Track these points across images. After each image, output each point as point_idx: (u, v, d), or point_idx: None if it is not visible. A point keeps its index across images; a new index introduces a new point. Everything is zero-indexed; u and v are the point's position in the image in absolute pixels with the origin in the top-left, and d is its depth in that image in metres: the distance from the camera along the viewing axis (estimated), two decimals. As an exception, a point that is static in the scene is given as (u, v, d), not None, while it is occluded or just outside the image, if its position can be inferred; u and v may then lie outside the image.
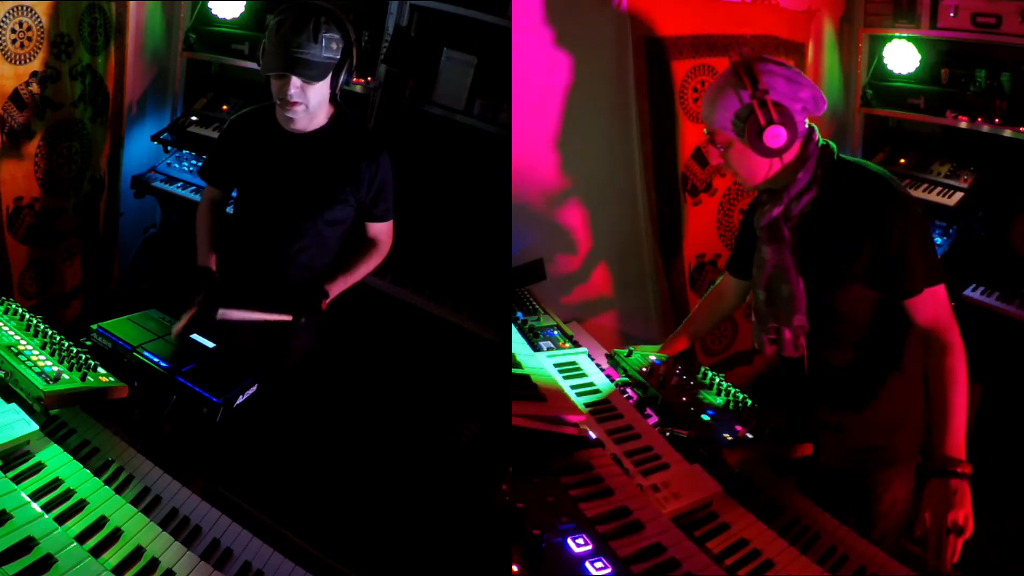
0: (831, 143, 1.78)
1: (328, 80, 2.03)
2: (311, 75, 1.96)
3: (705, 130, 1.80)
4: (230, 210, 2.47)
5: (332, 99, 2.12)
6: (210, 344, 1.94)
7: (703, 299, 2.33)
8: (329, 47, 1.97)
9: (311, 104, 2.03)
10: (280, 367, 2.35)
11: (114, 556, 1.30)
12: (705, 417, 1.78)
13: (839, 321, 1.79)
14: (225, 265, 2.23)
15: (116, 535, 1.35)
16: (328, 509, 2.38)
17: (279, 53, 1.93)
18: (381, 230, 2.32)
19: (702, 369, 2.06)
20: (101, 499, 1.41)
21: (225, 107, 3.64)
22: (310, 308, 2.15)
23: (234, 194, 2.42)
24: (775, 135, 1.67)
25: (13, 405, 1.52)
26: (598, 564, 1.25)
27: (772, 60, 1.71)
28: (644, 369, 2.04)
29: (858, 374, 1.84)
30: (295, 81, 1.96)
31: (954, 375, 1.66)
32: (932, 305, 1.70)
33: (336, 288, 2.21)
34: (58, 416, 1.63)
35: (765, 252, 1.81)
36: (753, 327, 1.91)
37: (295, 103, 2.00)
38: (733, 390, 1.92)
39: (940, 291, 1.71)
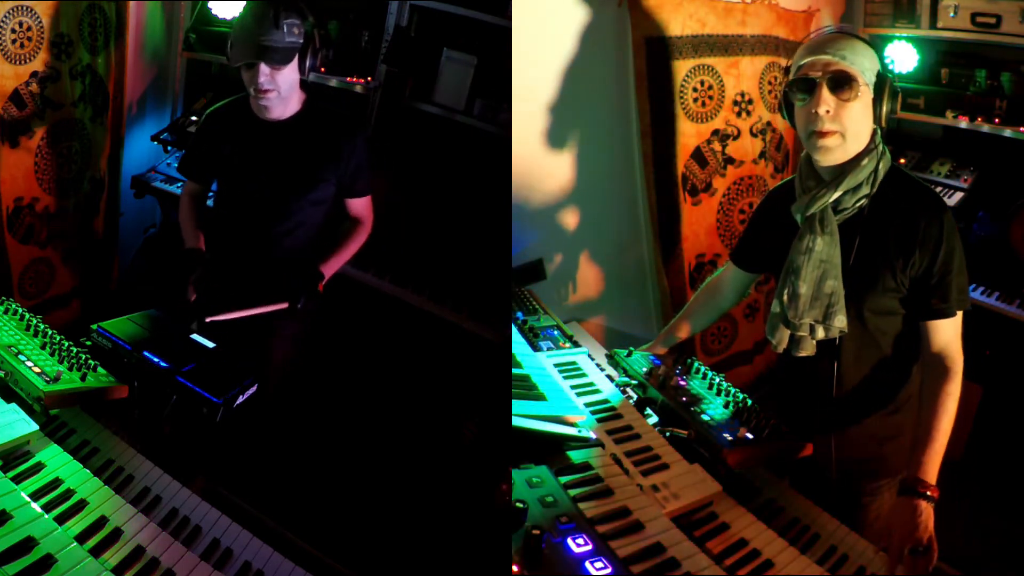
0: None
1: (295, 65, 2.12)
2: (277, 59, 2.05)
3: (820, 76, 1.62)
4: (211, 204, 2.49)
5: (303, 86, 2.20)
6: (210, 344, 1.94)
7: (695, 296, 2.27)
8: (291, 32, 2.07)
9: (282, 90, 2.11)
10: (271, 355, 2.35)
11: (114, 556, 1.30)
12: (704, 417, 1.78)
13: (862, 331, 1.76)
14: (212, 256, 2.25)
15: (116, 535, 1.34)
16: (328, 509, 2.39)
17: (244, 44, 2.04)
18: (362, 206, 2.39)
19: (696, 365, 2.06)
20: (101, 499, 1.40)
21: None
22: (307, 291, 2.17)
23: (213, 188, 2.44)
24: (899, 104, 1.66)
25: (13, 405, 1.52)
26: (598, 564, 1.25)
27: None
28: (644, 369, 2.04)
29: (865, 387, 1.82)
30: (264, 68, 2.05)
31: (949, 402, 1.66)
32: (952, 330, 1.70)
33: (330, 268, 2.27)
34: (58, 416, 1.63)
35: (813, 243, 1.71)
36: (771, 319, 1.82)
37: (267, 90, 2.09)
38: (733, 390, 1.92)
39: (960, 317, 1.70)
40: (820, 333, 1.74)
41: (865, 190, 1.69)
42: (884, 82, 1.65)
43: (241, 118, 2.22)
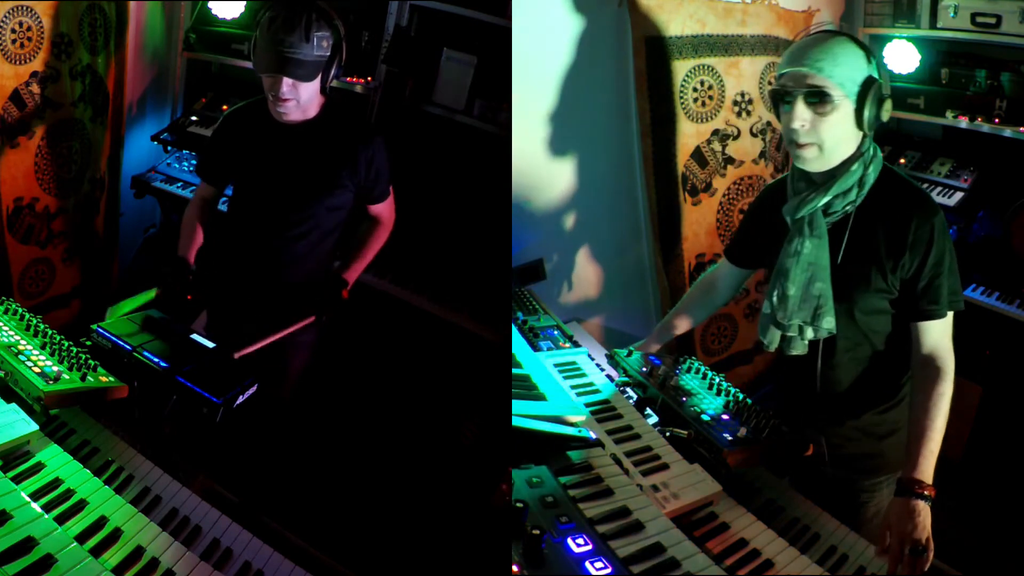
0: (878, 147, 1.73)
1: (319, 77, 2.07)
2: (302, 75, 2.00)
3: (796, 89, 1.59)
4: (223, 207, 2.48)
5: (323, 91, 2.15)
6: (210, 344, 1.94)
7: (689, 292, 2.28)
8: (320, 45, 2.01)
9: (302, 100, 2.07)
10: (288, 364, 2.35)
11: (114, 556, 1.30)
12: (704, 417, 1.78)
13: (854, 330, 1.77)
14: (222, 263, 2.24)
15: (116, 535, 1.34)
16: (328, 509, 2.39)
17: (270, 53, 1.97)
18: (382, 208, 2.37)
19: (696, 365, 2.05)
20: (101, 499, 1.40)
21: (225, 107, 3.64)
22: (333, 301, 2.18)
23: (228, 192, 2.43)
24: (887, 110, 1.63)
25: (13, 405, 1.52)
26: (598, 564, 1.25)
27: None
28: (644, 369, 2.04)
29: (861, 385, 1.83)
30: (287, 80, 2.00)
31: (941, 402, 1.65)
32: (942, 330, 1.70)
33: (353, 274, 2.27)
34: (58, 416, 1.63)
35: (802, 246, 1.71)
36: (762, 320, 1.83)
37: (286, 99, 2.04)
38: (733, 390, 1.92)
39: (951, 317, 1.70)
40: (809, 334, 1.76)
41: (854, 194, 1.68)
42: (869, 88, 1.60)
43: (259, 120, 2.18)
